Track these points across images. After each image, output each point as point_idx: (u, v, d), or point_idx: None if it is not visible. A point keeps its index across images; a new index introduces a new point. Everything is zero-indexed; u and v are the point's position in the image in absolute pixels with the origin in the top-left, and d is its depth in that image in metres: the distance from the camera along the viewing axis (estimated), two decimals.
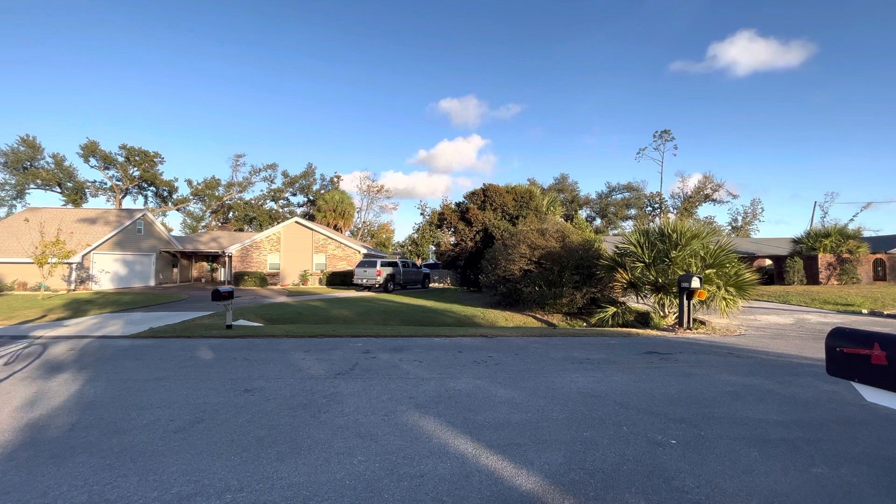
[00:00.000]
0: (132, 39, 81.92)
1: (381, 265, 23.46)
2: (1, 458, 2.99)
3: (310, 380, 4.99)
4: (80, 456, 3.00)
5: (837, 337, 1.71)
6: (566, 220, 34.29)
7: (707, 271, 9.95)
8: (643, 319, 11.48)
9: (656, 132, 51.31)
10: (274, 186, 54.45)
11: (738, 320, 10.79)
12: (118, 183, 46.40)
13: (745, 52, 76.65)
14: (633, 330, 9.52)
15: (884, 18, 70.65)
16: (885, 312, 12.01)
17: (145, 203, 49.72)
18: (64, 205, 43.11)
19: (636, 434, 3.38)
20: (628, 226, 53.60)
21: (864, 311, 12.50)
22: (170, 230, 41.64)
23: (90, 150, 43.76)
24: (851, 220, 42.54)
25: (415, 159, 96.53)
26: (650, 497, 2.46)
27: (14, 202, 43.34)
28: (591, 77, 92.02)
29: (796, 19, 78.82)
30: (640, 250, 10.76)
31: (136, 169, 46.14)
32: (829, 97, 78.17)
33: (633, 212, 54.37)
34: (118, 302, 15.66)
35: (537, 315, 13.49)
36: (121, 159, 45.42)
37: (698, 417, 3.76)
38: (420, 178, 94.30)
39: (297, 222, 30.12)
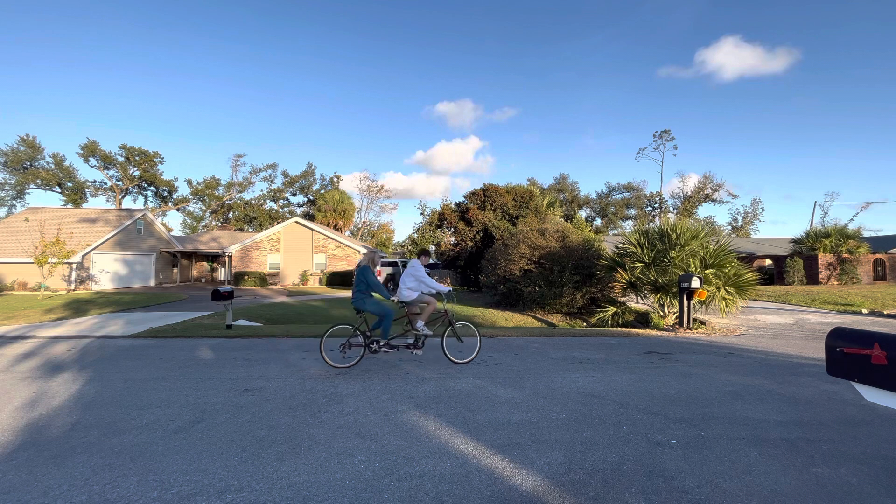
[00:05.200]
0: (132, 39, 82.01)
1: (381, 265, 23.45)
2: (1, 458, 2.99)
3: (310, 380, 4.99)
4: (81, 456, 3.00)
5: (837, 337, 1.71)
6: (566, 220, 34.28)
7: (707, 271, 9.94)
8: (643, 319, 11.47)
9: (656, 132, 51.34)
10: (274, 186, 54.49)
11: (738, 320, 10.79)
12: (118, 183, 46.41)
13: (732, 57, 77.73)
14: (633, 330, 9.51)
15: (871, 20, 70.90)
16: (885, 312, 12.01)
17: (145, 203, 49.79)
18: (64, 205, 43.12)
19: (636, 434, 3.38)
20: (628, 226, 53.64)
21: (864, 311, 12.49)
22: (170, 230, 41.67)
23: (90, 150, 43.77)
24: (851, 220, 42.62)
25: (413, 160, 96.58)
26: (650, 497, 2.46)
27: (14, 202, 43.38)
28: (589, 78, 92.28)
29: (784, 24, 79.87)
30: (639, 250, 10.76)
31: (136, 169, 46.16)
32: (821, 99, 79.08)
33: (633, 212, 54.36)
34: (118, 302, 15.66)
35: (537, 315, 13.48)
36: (121, 159, 45.44)
37: (698, 417, 3.76)
38: (419, 178, 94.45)
39: (297, 222, 30.12)
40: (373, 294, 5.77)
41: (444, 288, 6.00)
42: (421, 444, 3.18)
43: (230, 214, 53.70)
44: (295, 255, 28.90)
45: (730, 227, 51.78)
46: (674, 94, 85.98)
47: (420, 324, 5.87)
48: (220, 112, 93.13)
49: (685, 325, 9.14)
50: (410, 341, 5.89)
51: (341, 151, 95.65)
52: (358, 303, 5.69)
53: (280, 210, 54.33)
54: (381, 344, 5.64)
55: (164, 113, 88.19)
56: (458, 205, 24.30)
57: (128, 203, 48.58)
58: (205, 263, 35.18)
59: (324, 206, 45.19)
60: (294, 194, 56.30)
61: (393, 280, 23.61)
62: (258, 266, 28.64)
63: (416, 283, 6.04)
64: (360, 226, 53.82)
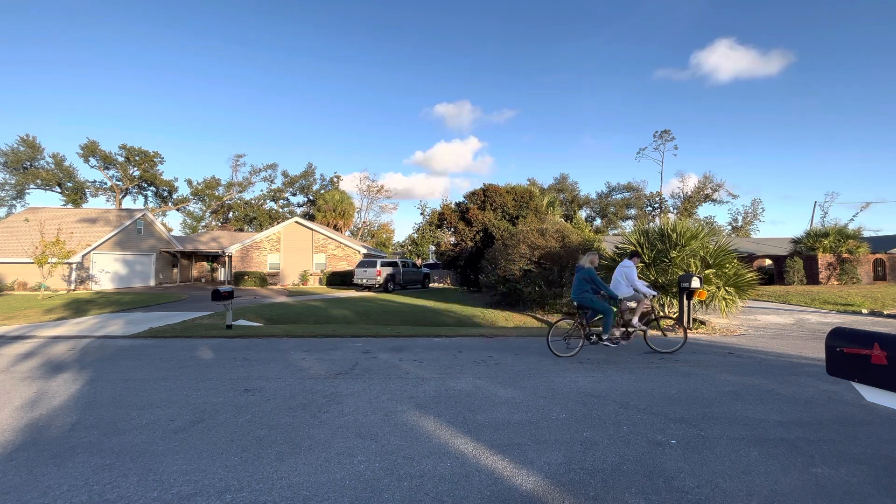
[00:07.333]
0: (132, 39, 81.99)
1: (381, 265, 23.44)
2: (1, 458, 2.99)
3: (310, 380, 4.99)
4: (81, 456, 3.00)
5: (837, 337, 1.71)
6: (566, 220, 34.27)
7: (707, 271, 9.94)
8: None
9: (656, 132, 51.27)
10: (274, 186, 54.46)
11: (738, 320, 10.79)
12: (118, 183, 46.40)
13: (726, 59, 78.03)
14: None
15: (867, 20, 70.99)
16: (885, 312, 12.00)
17: (145, 203, 49.76)
18: (64, 205, 43.11)
19: (636, 434, 3.38)
20: (628, 226, 53.59)
21: (864, 311, 12.49)
22: (170, 230, 41.64)
23: (90, 150, 43.75)
24: (851, 220, 42.54)
25: (412, 160, 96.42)
26: (650, 497, 2.46)
27: (14, 202, 43.38)
28: (587, 79, 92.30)
29: (778, 27, 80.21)
30: (639, 250, 10.75)
31: (136, 169, 46.14)
32: (820, 100, 79.36)
33: (633, 212, 54.34)
34: (118, 302, 15.66)
35: (537, 315, 13.47)
36: (121, 159, 45.42)
37: (698, 417, 3.76)
38: (419, 178, 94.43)
39: (297, 222, 30.11)
40: (598, 292, 6.34)
41: (651, 292, 6.64)
42: (421, 444, 3.18)
43: (230, 214, 53.67)
44: (295, 255, 28.89)
45: (730, 227, 51.73)
46: (672, 94, 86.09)
47: (634, 319, 6.56)
48: (220, 112, 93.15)
49: (685, 325, 9.13)
50: (617, 335, 6.48)
51: (341, 151, 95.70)
52: (582, 300, 6.29)
53: (280, 210, 54.31)
54: (604, 338, 6.29)
55: (164, 113, 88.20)
56: (458, 205, 24.30)
57: (128, 203, 48.61)
58: (205, 263, 35.18)
59: (324, 206, 45.17)
60: (294, 194, 56.30)
61: (393, 279, 23.61)
62: (258, 266, 28.64)
63: (628, 281, 6.65)
64: (360, 226, 53.81)
